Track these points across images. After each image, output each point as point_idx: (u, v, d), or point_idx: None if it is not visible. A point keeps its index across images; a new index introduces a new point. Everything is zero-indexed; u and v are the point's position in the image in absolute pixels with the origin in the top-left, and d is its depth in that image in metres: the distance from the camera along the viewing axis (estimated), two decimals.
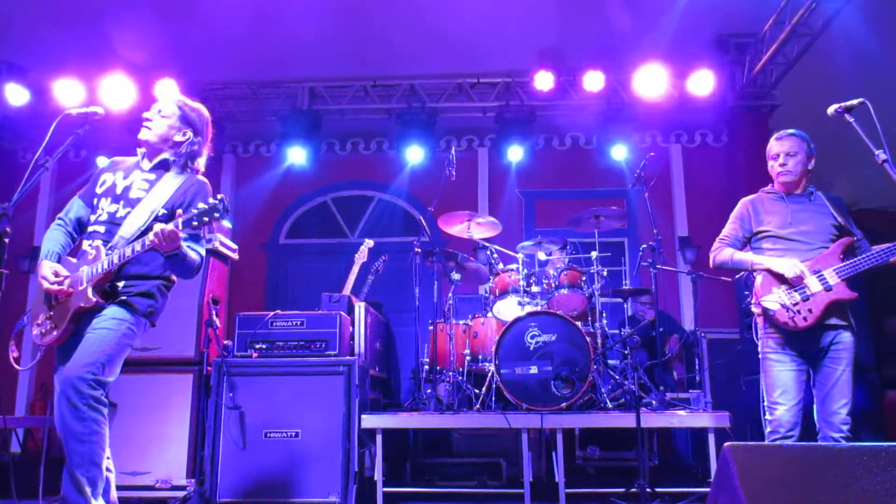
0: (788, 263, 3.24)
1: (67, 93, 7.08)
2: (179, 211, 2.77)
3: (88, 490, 2.70)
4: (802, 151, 3.43)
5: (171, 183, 3.04)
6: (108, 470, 2.86)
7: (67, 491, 2.70)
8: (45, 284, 2.86)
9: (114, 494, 2.94)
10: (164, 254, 2.81)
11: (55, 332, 2.88)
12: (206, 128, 3.21)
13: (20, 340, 2.94)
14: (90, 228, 3.01)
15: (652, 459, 5.25)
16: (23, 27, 6.55)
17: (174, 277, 3.10)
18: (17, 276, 7.73)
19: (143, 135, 3.08)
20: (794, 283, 3.22)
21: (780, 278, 3.26)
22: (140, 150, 3.16)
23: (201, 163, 3.21)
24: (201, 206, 2.75)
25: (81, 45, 6.65)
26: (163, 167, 3.11)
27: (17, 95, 7.16)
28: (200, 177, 3.15)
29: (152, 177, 3.07)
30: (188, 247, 2.90)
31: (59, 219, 3.10)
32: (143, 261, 2.96)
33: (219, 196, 2.75)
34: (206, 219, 2.73)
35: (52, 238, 3.03)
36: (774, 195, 3.50)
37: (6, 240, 2.47)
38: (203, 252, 3.03)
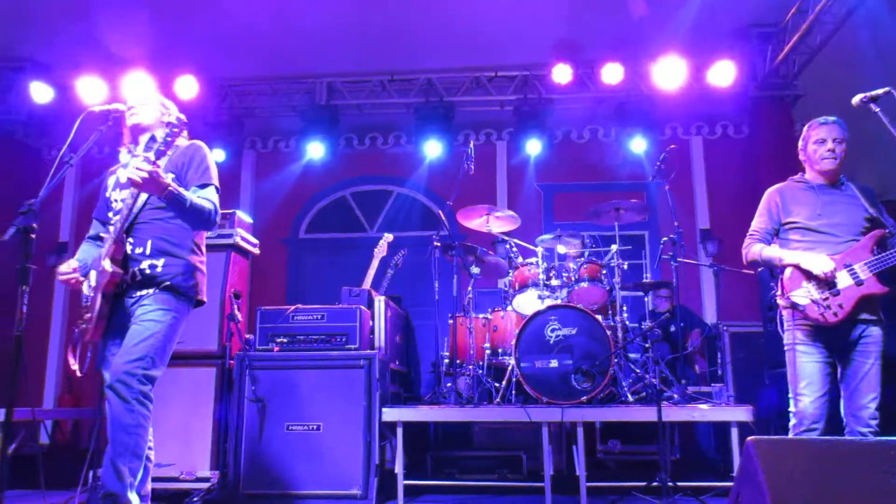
0: (818, 261, 3.16)
1: (90, 90, 7.17)
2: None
3: (128, 480, 2.78)
4: (846, 140, 3.35)
5: (151, 150, 3.12)
6: (147, 459, 2.93)
7: (107, 478, 2.77)
8: (59, 278, 3.00)
9: (148, 486, 3.00)
10: (160, 197, 2.87)
11: (91, 325, 2.95)
12: (173, 107, 3.41)
13: (76, 349, 3.02)
14: (111, 222, 3.10)
15: (673, 453, 5.23)
16: (46, 25, 6.63)
17: (202, 252, 3.19)
18: (43, 271, 7.83)
19: (135, 119, 3.21)
20: (823, 280, 3.16)
21: (810, 273, 3.21)
22: (127, 146, 3.27)
23: (184, 136, 3.29)
24: (160, 135, 2.94)
25: (103, 42, 6.72)
26: (152, 142, 3.18)
27: (42, 93, 7.26)
28: (184, 140, 3.23)
29: (149, 155, 3.15)
30: (199, 196, 3.01)
31: (87, 238, 3.26)
32: (168, 237, 3.04)
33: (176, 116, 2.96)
34: (168, 138, 2.90)
35: (82, 250, 3.20)
36: (804, 185, 3.41)
37: (33, 235, 2.50)
38: (214, 199, 3.10)
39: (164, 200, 2.90)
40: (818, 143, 3.37)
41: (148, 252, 2.99)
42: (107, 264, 2.89)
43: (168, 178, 2.85)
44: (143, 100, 3.29)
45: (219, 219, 3.18)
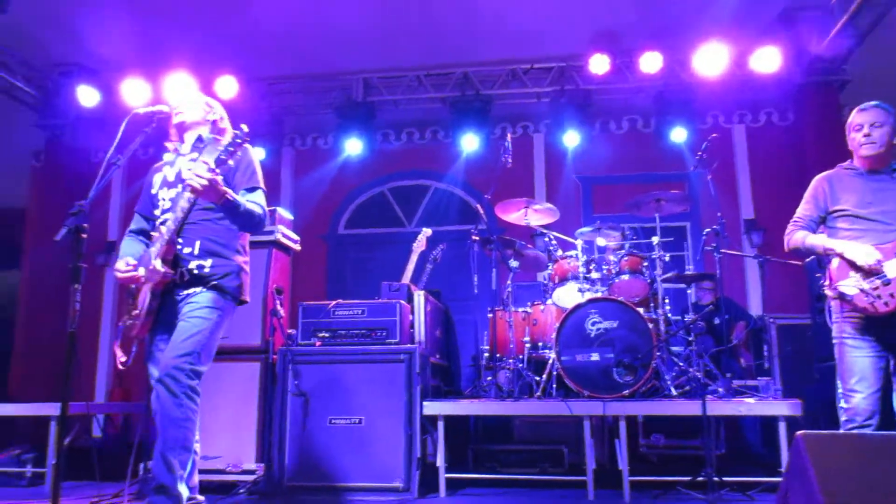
0: (863, 251, 3.07)
1: (134, 92, 7.33)
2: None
3: (178, 472, 2.86)
4: (888, 123, 3.23)
5: (211, 155, 3.18)
6: (194, 452, 3.00)
7: (158, 470, 2.86)
8: (118, 275, 3.04)
9: (195, 478, 3.08)
10: (215, 204, 2.94)
11: (139, 321, 3.04)
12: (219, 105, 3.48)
13: (125, 343, 3.12)
14: (160, 220, 3.18)
15: (719, 448, 5.14)
16: (91, 30, 6.80)
17: (247, 252, 3.27)
18: (93, 270, 8.08)
19: (181, 118, 3.30)
20: (869, 271, 3.07)
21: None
22: (171, 146, 3.36)
23: (227, 123, 3.42)
24: (222, 145, 2.94)
25: (146, 45, 6.87)
26: (200, 142, 3.29)
27: (89, 97, 7.45)
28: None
29: (195, 155, 3.24)
30: (248, 200, 3.07)
31: (128, 232, 3.34)
32: (216, 237, 3.12)
33: (239, 127, 2.95)
34: (231, 148, 2.91)
35: (126, 245, 3.27)
36: (853, 171, 3.32)
37: (84, 235, 2.58)
38: (263, 202, 3.18)
39: (218, 207, 2.98)
40: (855, 129, 3.29)
41: (196, 252, 3.07)
42: (158, 264, 2.97)
43: (216, 177, 2.90)
44: (187, 99, 3.38)
45: (267, 222, 3.26)
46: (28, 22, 6.62)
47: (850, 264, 3.12)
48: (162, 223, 3.12)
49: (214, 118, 3.36)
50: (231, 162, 2.97)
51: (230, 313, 3.13)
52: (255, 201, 3.12)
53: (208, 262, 3.07)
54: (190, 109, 3.32)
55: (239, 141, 2.92)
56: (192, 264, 3.05)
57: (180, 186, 3.14)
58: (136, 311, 3.05)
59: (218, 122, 3.37)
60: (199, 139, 3.29)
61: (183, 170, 3.16)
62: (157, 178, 3.32)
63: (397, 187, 8.68)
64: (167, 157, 3.40)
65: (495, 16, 6.67)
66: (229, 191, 2.95)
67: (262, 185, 3.24)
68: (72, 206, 2.57)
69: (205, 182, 2.81)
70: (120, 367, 3.05)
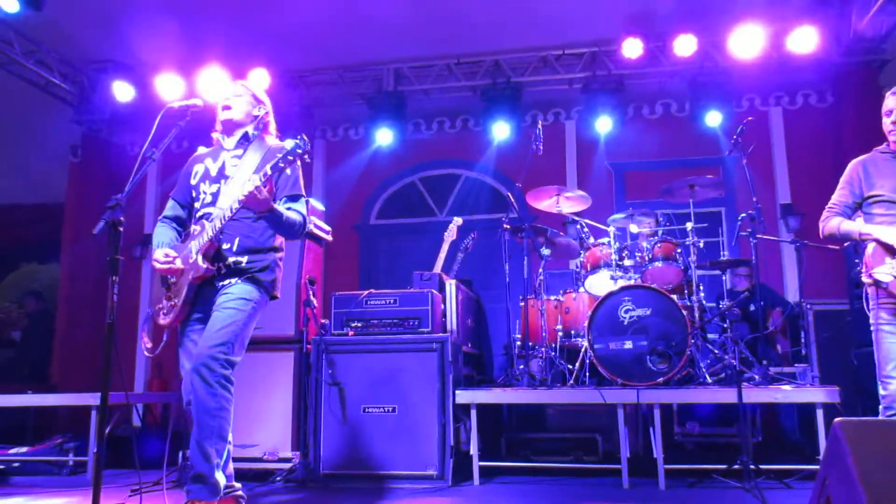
0: None
1: (169, 87, 7.43)
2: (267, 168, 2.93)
3: (215, 461, 2.91)
4: None
5: (257, 153, 3.24)
6: (229, 442, 3.04)
7: (195, 459, 2.91)
8: (157, 266, 3.09)
9: (231, 467, 3.13)
10: (258, 213, 2.99)
11: (174, 312, 3.10)
12: (267, 99, 3.50)
13: (150, 329, 3.18)
14: (199, 214, 3.22)
15: (755, 436, 5.08)
16: (126, 26, 6.91)
17: (283, 248, 3.30)
18: (130, 262, 8.25)
19: (227, 115, 3.31)
20: None
21: (893, 248, 3.05)
22: (216, 137, 3.38)
23: (273, 130, 3.44)
24: (281, 152, 2.92)
25: (179, 40, 6.95)
26: (245, 140, 3.31)
27: (124, 92, 7.58)
28: (278, 142, 3.33)
29: (239, 151, 3.28)
30: (288, 208, 3.10)
31: (162, 218, 3.37)
32: (253, 235, 3.16)
33: (299, 136, 2.94)
34: (290, 157, 2.90)
35: (160, 233, 3.30)
36: (889, 155, 3.25)
37: (121, 228, 2.63)
38: (304, 211, 3.21)
39: (262, 217, 3.02)
40: (886, 114, 3.23)
41: (235, 249, 3.13)
42: (200, 260, 3.02)
43: (266, 194, 2.93)
44: (234, 91, 3.37)
45: (308, 229, 3.29)
46: (64, 19, 6.75)
47: (886, 249, 3.06)
48: (203, 217, 3.16)
49: (260, 114, 3.37)
50: (288, 171, 2.99)
51: (263, 306, 3.17)
52: (297, 209, 3.16)
53: (245, 258, 3.13)
54: (238, 105, 3.32)
55: (300, 151, 2.91)
56: (230, 260, 3.11)
57: (223, 182, 3.18)
58: (172, 302, 3.11)
59: (264, 118, 3.38)
60: (246, 137, 3.31)
61: (228, 166, 3.21)
62: (197, 168, 3.35)
63: (428, 177, 8.68)
64: (205, 149, 3.44)
65: (525, 2, 6.61)
66: (275, 205, 2.99)
67: (303, 192, 3.27)
68: (109, 199, 2.62)
69: (261, 199, 2.86)
70: (146, 353, 3.12)
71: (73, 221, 8.21)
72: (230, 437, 3.06)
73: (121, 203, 2.64)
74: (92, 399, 4.81)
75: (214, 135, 3.40)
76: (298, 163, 3.15)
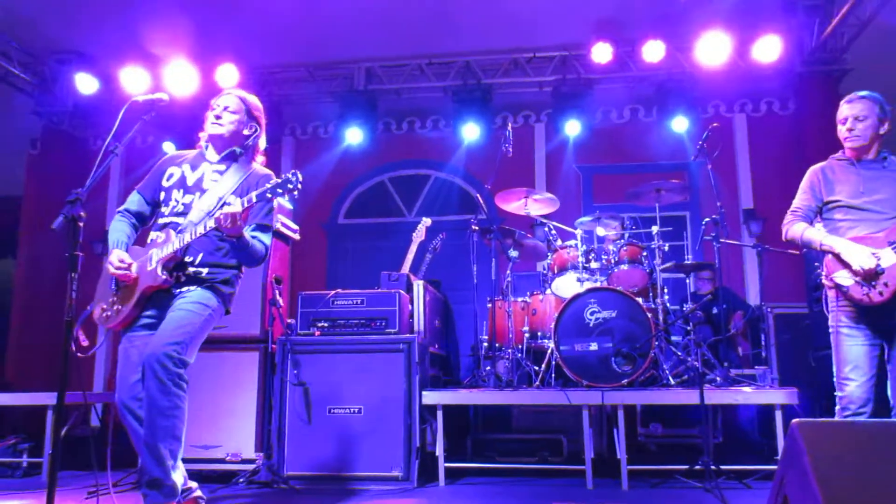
0: (857, 256, 3.06)
1: (133, 80, 7.30)
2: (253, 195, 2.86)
3: (169, 462, 2.81)
4: (874, 115, 3.24)
5: (239, 173, 3.17)
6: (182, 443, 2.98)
7: (148, 463, 2.80)
8: (111, 269, 2.99)
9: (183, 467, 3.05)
10: (227, 236, 2.91)
11: (120, 317, 3.01)
12: (263, 118, 3.35)
13: (87, 328, 3.06)
14: (165, 220, 3.11)
15: (716, 437, 5.17)
16: (89, 17, 6.77)
17: (243, 269, 3.23)
18: (90, 259, 8.06)
19: (216, 130, 3.20)
20: (862, 276, 3.06)
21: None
22: (203, 142, 3.28)
23: (262, 149, 3.35)
24: (275, 180, 2.86)
25: (145, 33, 6.83)
26: (230, 158, 3.23)
27: (87, 84, 7.42)
28: (264, 169, 3.27)
29: (222, 167, 3.20)
30: (253, 236, 3.04)
31: (123, 211, 3.24)
32: (218, 253, 3.10)
33: (293, 171, 2.86)
34: (280, 191, 2.84)
35: (118, 229, 3.17)
36: (845, 162, 3.34)
37: (81, 224, 2.56)
38: (268, 242, 3.15)
39: (229, 240, 2.95)
40: (840, 122, 3.33)
41: (197, 262, 3.06)
42: (159, 270, 2.95)
43: (247, 227, 2.92)
44: (229, 105, 3.22)
45: (265, 259, 3.22)
46: (24, 7, 6.60)
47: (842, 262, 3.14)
48: (170, 225, 3.06)
49: (249, 134, 3.25)
50: (276, 202, 2.92)
51: (218, 317, 3.09)
52: (262, 240, 3.09)
53: (205, 270, 3.06)
54: (229, 122, 3.20)
55: (290, 187, 2.84)
56: (190, 270, 3.03)
57: (198, 195, 3.10)
58: (117, 307, 3.01)
59: (255, 138, 3.27)
60: (232, 154, 3.23)
61: (207, 179, 3.13)
62: (173, 171, 3.23)
63: (398, 177, 8.67)
64: (191, 152, 3.31)
65: (497, 4, 6.64)
66: (247, 233, 2.95)
67: (273, 224, 3.23)
68: (69, 194, 2.55)
69: (230, 225, 2.80)
70: (79, 354, 2.84)
71: (31, 216, 8.01)
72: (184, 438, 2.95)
73: (81, 198, 2.57)
74: (48, 398, 4.69)
75: (202, 135, 3.27)
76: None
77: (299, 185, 2.85)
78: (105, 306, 3.08)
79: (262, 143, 3.35)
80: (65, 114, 7.96)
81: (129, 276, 2.99)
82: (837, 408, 3.15)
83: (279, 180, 2.85)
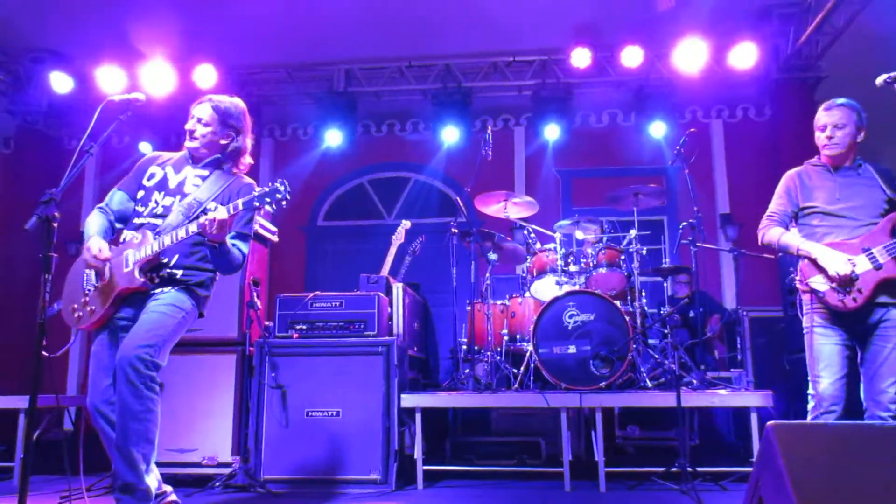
0: (834, 262, 3.11)
1: (110, 80, 7.22)
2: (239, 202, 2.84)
3: (142, 466, 2.77)
4: (851, 123, 3.29)
5: (221, 180, 3.15)
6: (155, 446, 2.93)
7: (120, 468, 2.76)
8: (88, 258, 2.93)
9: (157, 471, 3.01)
10: (209, 242, 2.88)
11: (95, 317, 2.96)
12: (245, 120, 3.29)
13: (55, 327, 2.97)
14: (141, 220, 3.07)
15: (693, 439, 5.21)
16: (65, 16, 6.68)
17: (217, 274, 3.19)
18: (64, 260, 7.93)
19: (191, 144, 3.18)
20: (837, 282, 3.11)
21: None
22: (185, 149, 3.24)
23: (247, 155, 3.31)
24: (261, 189, 2.83)
25: (121, 32, 6.76)
26: (214, 165, 3.21)
27: (62, 83, 7.32)
28: (248, 178, 3.25)
29: (205, 172, 3.18)
30: (233, 244, 3.01)
31: (103, 207, 3.18)
32: (194, 256, 3.07)
33: (280, 180, 2.83)
34: (268, 200, 2.81)
35: (97, 222, 3.10)
36: (821, 168, 3.39)
37: (55, 224, 2.52)
38: (246, 251, 3.13)
39: (209, 246, 2.91)
40: (819, 129, 3.36)
41: (172, 264, 3.03)
42: (136, 272, 2.92)
43: (230, 235, 2.90)
44: (202, 116, 3.18)
45: (242, 267, 3.19)
46: None
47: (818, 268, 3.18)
48: (147, 226, 3.02)
49: (227, 143, 3.19)
50: (266, 209, 2.87)
51: (192, 320, 3.05)
52: (241, 248, 3.07)
53: (180, 272, 3.03)
54: (202, 135, 3.15)
55: (279, 197, 2.80)
56: (166, 272, 3.00)
57: (178, 198, 3.07)
58: (90, 308, 2.97)
59: (240, 148, 3.22)
60: (216, 162, 3.20)
61: (189, 184, 3.10)
62: (154, 171, 3.19)
63: (377, 179, 8.65)
64: (176, 154, 3.28)
65: (478, 8, 6.66)
66: (228, 241, 2.92)
67: (252, 234, 3.21)
68: (43, 194, 2.51)
69: (215, 232, 2.78)
70: (44, 353, 2.72)
71: (4, 216, 7.87)
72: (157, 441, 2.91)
73: (55, 198, 2.53)
74: (20, 402, 4.61)
75: (184, 148, 3.23)
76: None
77: (287, 195, 2.82)
78: (76, 306, 3.02)
79: (248, 145, 3.30)
80: (39, 113, 7.84)
81: (101, 270, 2.95)
82: (810, 405, 3.19)
83: (267, 189, 2.82)
